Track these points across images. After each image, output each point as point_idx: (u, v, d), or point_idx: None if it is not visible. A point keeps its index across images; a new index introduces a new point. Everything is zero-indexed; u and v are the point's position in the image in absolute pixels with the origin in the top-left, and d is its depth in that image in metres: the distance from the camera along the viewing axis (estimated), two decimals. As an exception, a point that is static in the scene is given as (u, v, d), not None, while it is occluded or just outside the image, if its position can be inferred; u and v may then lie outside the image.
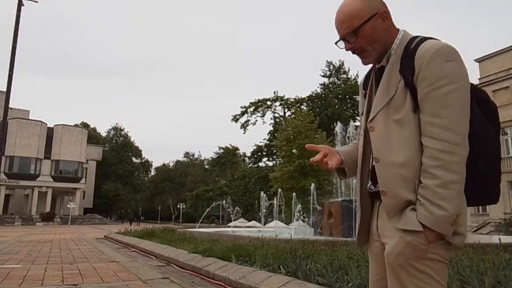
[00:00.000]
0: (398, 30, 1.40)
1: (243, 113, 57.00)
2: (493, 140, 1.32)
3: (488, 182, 1.31)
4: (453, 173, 1.21)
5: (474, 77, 28.88)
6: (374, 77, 1.44)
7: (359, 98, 1.63)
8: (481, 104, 1.34)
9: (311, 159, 1.50)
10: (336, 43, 1.43)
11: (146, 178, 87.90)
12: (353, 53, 1.41)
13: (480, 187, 1.30)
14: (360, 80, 1.62)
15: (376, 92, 1.40)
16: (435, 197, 1.21)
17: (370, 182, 1.43)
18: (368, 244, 1.48)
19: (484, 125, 1.31)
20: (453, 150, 1.21)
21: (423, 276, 1.24)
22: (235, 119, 57.53)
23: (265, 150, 57.80)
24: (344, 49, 1.43)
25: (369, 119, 1.38)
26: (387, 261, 1.30)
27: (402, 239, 1.26)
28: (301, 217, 15.04)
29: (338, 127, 17.47)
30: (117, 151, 77.14)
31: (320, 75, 55.96)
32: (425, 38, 1.32)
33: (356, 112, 50.94)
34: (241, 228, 19.01)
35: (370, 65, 1.51)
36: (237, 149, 72.71)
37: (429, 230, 1.22)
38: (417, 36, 1.36)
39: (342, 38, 1.38)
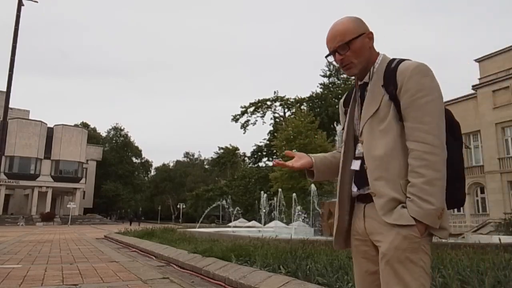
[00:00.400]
0: (378, 53, 1.62)
1: (243, 113, 57.02)
2: (456, 151, 1.51)
3: (452, 187, 1.47)
4: (436, 171, 1.39)
5: (474, 77, 28.95)
6: (359, 92, 1.63)
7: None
8: (446, 122, 1.51)
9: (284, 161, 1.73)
10: (326, 56, 1.64)
11: (146, 178, 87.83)
12: (342, 64, 1.60)
13: (447, 192, 1.45)
14: (341, 99, 1.83)
15: (362, 105, 1.59)
16: (423, 193, 1.38)
17: (354, 186, 1.60)
18: (352, 245, 1.63)
19: (449, 139, 1.48)
20: (435, 151, 1.40)
21: (418, 269, 1.39)
22: (235, 119, 57.54)
23: (265, 150, 57.79)
24: (333, 62, 1.64)
25: (359, 133, 1.58)
26: (385, 257, 1.41)
27: (399, 233, 1.39)
28: (302, 216, 15.04)
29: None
30: (117, 151, 77.10)
31: (320, 75, 56.05)
32: (403, 59, 1.55)
33: (356, 112, 50.87)
34: (241, 228, 19.00)
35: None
36: (237, 149, 72.71)
37: (420, 224, 1.38)
38: (395, 58, 1.59)
39: (334, 50, 1.58)
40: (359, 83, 1.64)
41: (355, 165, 1.59)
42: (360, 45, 1.56)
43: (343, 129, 1.71)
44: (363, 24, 1.60)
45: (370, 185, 1.49)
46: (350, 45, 1.55)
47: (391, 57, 1.61)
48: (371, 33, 1.60)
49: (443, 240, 7.60)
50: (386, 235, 1.43)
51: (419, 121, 1.42)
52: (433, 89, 1.46)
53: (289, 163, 1.73)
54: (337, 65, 1.67)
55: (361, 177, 1.55)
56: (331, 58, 1.63)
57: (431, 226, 1.39)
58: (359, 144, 1.59)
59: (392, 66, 1.53)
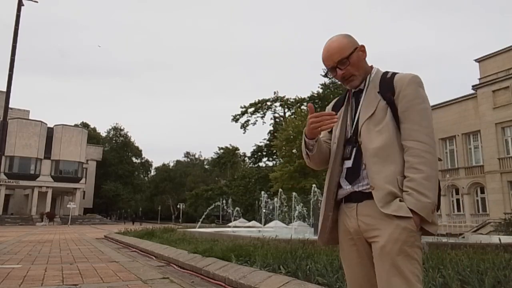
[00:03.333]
0: (371, 65, 1.78)
1: (243, 113, 57.04)
2: None
3: None
4: (433, 169, 1.55)
5: (474, 77, 28.94)
6: (354, 98, 1.76)
7: None
8: None
9: (315, 113, 1.65)
10: (326, 74, 1.79)
11: (146, 178, 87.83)
12: (343, 78, 1.72)
13: None
14: (329, 106, 1.94)
15: (356, 110, 1.72)
16: (421, 187, 1.50)
17: (346, 183, 1.67)
18: (343, 245, 1.69)
19: None
20: (432, 151, 1.56)
21: (414, 262, 1.48)
22: (235, 119, 57.56)
23: (265, 150, 57.79)
24: (334, 78, 1.77)
25: (358, 132, 1.67)
26: (384, 249, 1.48)
27: (398, 225, 1.49)
28: (302, 215, 15.04)
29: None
30: (117, 151, 77.11)
31: (320, 74, 56.00)
32: (397, 72, 1.72)
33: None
34: (241, 228, 19.01)
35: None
36: (237, 149, 72.71)
37: (416, 216, 1.49)
38: (388, 71, 1.75)
39: (335, 67, 1.70)
40: (353, 90, 1.77)
41: (348, 163, 1.67)
42: (357, 58, 1.70)
43: (330, 132, 1.83)
44: (354, 39, 1.74)
45: (369, 179, 1.58)
46: (350, 59, 1.68)
47: (383, 70, 1.77)
48: (363, 46, 1.74)
49: (443, 240, 7.61)
50: (384, 228, 1.51)
51: (418, 124, 1.58)
52: (426, 98, 1.65)
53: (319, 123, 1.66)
54: (337, 81, 1.78)
55: (353, 174, 1.64)
56: (331, 74, 1.75)
57: (425, 219, 1.50)
58: (349, 146, 1.69)
59: (388, 76, 1.70)
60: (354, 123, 1.70)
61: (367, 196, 1.59)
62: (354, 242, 1.64)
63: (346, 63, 1.68)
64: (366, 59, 1.77)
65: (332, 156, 1.76)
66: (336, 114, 1.73)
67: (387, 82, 1.67)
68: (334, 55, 1.69)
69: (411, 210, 1.49)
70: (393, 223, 1.49)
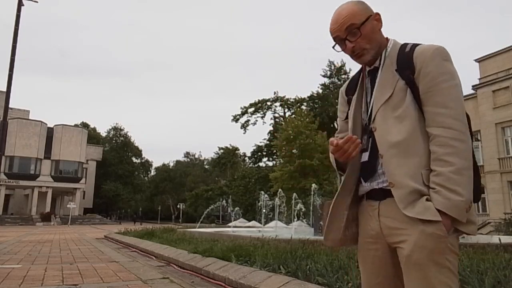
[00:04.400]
0: (387, 38, 1.52)
1: (243, 113, 57.06)
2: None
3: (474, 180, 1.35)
4: (465, 159, 1.29)
5: (474, 77, 28.96)
6: (369, 78, 1.51)
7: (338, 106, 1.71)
8: None
9: (339, 142, 1.38)
10: (333, 46, 1.51)
11: (146, 178, 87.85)
12: (353, 52, 1.47)
13: None
14: (342, 88, 1.69)
15: (372, 92, 1.48)
16: (451, 183, 1.26)
17: (361, 180, 1.47)
18: (362, 248, 1.48)
19: None
20: (463, 138, 1.30)
21: (445, 271, 1.26)
22: (235, 119, 57.59)
23: (265, 150, 57.80)
24: (341, 52, 1.51)
25: (372, 119, 1.44)
26: (409, 259, 1.28)
27: (424, 232, 1.26)
28: (302, 217, 15.05)
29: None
30: (117, 151, 77.12)
31: (320, 75, 56.01)
32: (418, 44, 1.44)
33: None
34: (241, 228, 19.00)
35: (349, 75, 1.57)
36: (237, 149, 72.71)
37: (446, 218, 1.26)
38: (408, 42, 1.48)
39: (344, 38, 1.45)
40: (368, 68, 1.53)
41: (364, 157, 1.45)
42: (370, 29, 1.45)
43: (345, 119, 1.60)
44: (368, 6, 1.49)
45: (387, 175, 1.36)
46: (361, 30, 1.43)
47: (402, 42, 1.50)
48: (378, 14, 1.49)
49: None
50: (408, 234, 1.29)
51: (444, 106, 1.32)
52: (454, 73, 1.37)
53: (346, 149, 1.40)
54: (346, 54, 1.53)
55: (369, 169, 1.43)
56: (339, 47, 1.50)
57: (457, 220, 1.27)
58: (365, 136, 1.46)
59: (407, 50, 1.43)
60: (370, 108, 1.46)
61: (389, 193, 1.35)
62: (374, 246, 1.42)
63: (357, 34, 1.43)
64: (382, 29, 1.50)
65: None
66: (351, 98, 1.55)
67: (406, 58, 1.41)
68: (343, 24, 1.44)
69: (439, 211, 1.25)
70: (418, 228, 1.27)
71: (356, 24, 1.43)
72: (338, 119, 1.68)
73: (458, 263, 1.33)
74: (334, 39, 1.49)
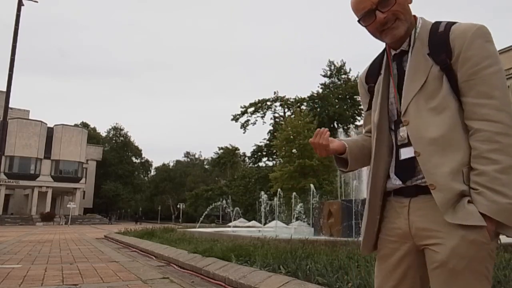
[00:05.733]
0: (415, 16, 1.33)
1: (243, 113, 56.98)
2: None
3: None
4: (511, 156, 1.13)
5: (474, 77, 28.92)
6: (396, 63, 1.34)
7: (359, 96, 1.55)
8: None
9: (310, 140, 1.37)
10: (359, 20, 1.32)
11: (146, 178, 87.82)
12: (385, 24, 1.27)
13: None
14: (361, 75, 1.52)
15: (400, 80, 1.31)
16: (496, 184, 1.11)
17: (396, 179, 1.31)
18: (383, 248, 1.35)
19: None
20: (509, 132, 1.14)
21: (483, 279, 1.15)
22: (235, 119, 57.51)
23: (265, 150, 57.72)
24: (367, 28, 1.32)
25: (402, 113, 1.28)
26: (445, 266, 1.14)
27: (465, 238, 1.12)
28: (302, 216, 15.04)
29: (340, 132, 17.48)
30: (117, 151, 77.09)
31: (320, 74, 55.95)
32: (453, 22, 1.26)
33: (357, 112, 50.93)
34: (241, 228, 19.00)
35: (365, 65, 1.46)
36: (237, 149, 72.63)
37: (491, 223, 1.12)
38: (440, 21, 1.29)
39: (374, 9, 1.26)
40: (394, 52, 1.35)
41: (407, 152, 1.27)
42: None
43: (367, 110, 1.45)
44: None
45: (425, 175, 1.20)
46: None
47: (432, 21, 1.32)
48: None
49: None
50: (446, 238, 1.15)
51: (487, 96, 1.16)
52: (497, 57, 1.20)
53: (322, 143, 1.37)
54: (372, 33, 1.33)
55: (407, 167, 1.27)
56: (367, 20, 1.29)
57: (503, 224, 1.12)
58: (402, 128, 1.28)
59: (441, 30, 1.25)
60: (400, 99, 1.30)
61: (423, 190, 1.22)
62: (399, 246, 1.28)
63: (391, 2, 1.24)
64: (411, 6, 1.31)
65: (374, 145, 1.35)
66: (374, 87, 1.40)
67: (441, 39, 1.23)
68: None
69: (483, 215, 1.11)
70: (458, 233, 1.13)
71: None
72: (364, 111, 1.52)
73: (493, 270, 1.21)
74: (360, 11, 1.29)
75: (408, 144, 1.27)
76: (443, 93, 1.21)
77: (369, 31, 1.32)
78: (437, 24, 1.28)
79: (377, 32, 1.30)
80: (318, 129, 1.37)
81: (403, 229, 1.27)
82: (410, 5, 1.31)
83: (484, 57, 1.18)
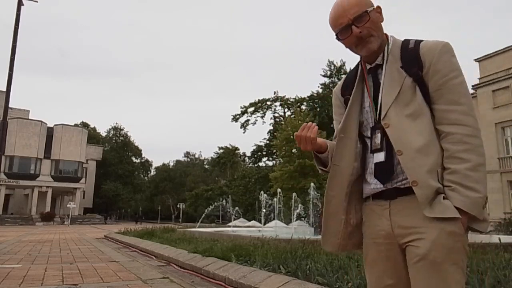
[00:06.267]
0: (387, 34, 1.47)
1: (243, 113, 57.01)
2: None
3: None
4: (480, 155, 1.28)
5: (474, 77, 28.96)
6: (371, 76, 1.46)
7: (333, 108, 1.64)
8: None
9: (296, 133, 1.44)
10: (337, 34, 1.44)
11: (146, 178, 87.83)
12: (360, 39, 1.40)
13: None
14: (335, 88, 1.62)
15: (376, 90, 1.42)
16: (468, 180, 1.24)
17: (377, 182, 1.40)
18: (370, 249, 1.42)
19: None
20: (477, 134, 1.30)
21: (460, 270, 1.25)
22: (235, 118, 57.54)
23: (265, 150, 57.76)
24: (344, 41, 1.44)
25: (382, 116, 1.38)
26: (426, 258, 1.24)
27: (443, 230, 1.24)
28: (302, 216, 15.05)
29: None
30: (117, 151, 77.11)
31: (320, 74, 56.09)
32: (421, 40, 1.42)
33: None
34: (241, 228, 19.00)
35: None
36: (237, 149, 72.66)
37: (464, 216, 1.24)
38: (408, 39, 1.45)
39: (350, 24, 1.38)
40: (369, 66, 1.47)
41: (379, 157, 1.38)
42: (375, 17, 1.41)
43: (342, 120, 1.52)
44: None
45: (408, 174, 1.30)
46: (370, 14, 1.38)
47: (401, 39, 1.46)
48: (379, 7, 1.45)
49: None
50: (426, 232, 1.26)
51: (455, 103, 1.31)
52: (461, 70, 1.36)
53: (308, 136, 1.43)
54: (349, 47, 1.46)
55: (386, 170, 1.36)
56: (344, 34, 1.41)
57: (474, 217, 1.25)
58: (377, 135, 1.39)
59: (411, 47, 1.40)
60: (379, 106, 1.39)
61: (402, 192, 1.33)
62: (386, 247, 1.37)
63: (365, 19, 1.37)
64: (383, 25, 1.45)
65: (337, 151, 1.44)
66: (349, 98, 1.48)
67: (412, 55, 1.37)
68: (350, 9, 1.38)
69: (458, 209, 1.24)
70: (437, 226, 1.24)
71: (364, 8, 1.39)
72: (334, 122, 1.60)
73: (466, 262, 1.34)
74: (338, 27, 1.42)
75: (380, 149, 1.39)
76: (417, 101, 1.34)
77: (345, 45, 1.45)
78: (407, 41, 1.44)
79: (353, 45, 1.43)
80: (304, 124, 1.44)
81: (386, 230, 1.36)
82: (382, 24, 1.45)
83: (451, 70, 1.33)
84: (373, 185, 1.41)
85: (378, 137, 1.40)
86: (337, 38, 1.45)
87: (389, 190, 1.36)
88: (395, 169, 1.35)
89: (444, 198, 1.26)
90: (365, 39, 1.40)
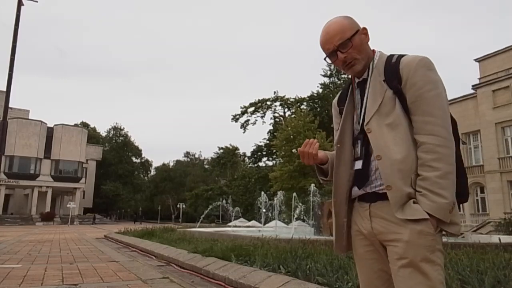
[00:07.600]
0: (374, 50, 1.61)
1: (243, 113, 57.00)
2: (457, 149, 1.49)
3: (458, 182, 1.44)
4: (449, 164, 1.39)
5: (474, 77, 28.95)
6: (359, 89, 1.60)
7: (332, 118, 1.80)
8: None
9: (299, 149, 1.58)
10: (325, 58, 1.60)
11: (146, 178, 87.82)
12: (345, 63, 1.56)
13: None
14: (334, 100, 1.79)
15: (362, 103, 1.57)
16: (436, 187, 1.36)
17: (355, 187, 1.55)
18: (356, 247, 1.57)
19: None
20: (448, 144, 1.40)
21: (437, 267, 1.35)
22: (235, 118, 57.53)
23: (265, 150, 57.76)
24: (333, 64, 1.62)
25: (365, 123, 1.51)
26: (403, 257, 1.36)
27: (414, 229, 1.36)
28: (302, 216, 15.05)
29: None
30: (117, 151, 77.12)
31: (320, 74, 56.02)
32: (403, 54, 1.55)
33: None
34: (241, 228, 19.01)
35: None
36: (237, 149, 72.66)
37: (433, 219, 1.36)
38: (393, 54, 1.58)
39: (335, 50, 1.54)
40: (357, 80, 1.61)
41: (358, 165, 1.54)
42: (359, 41, 1.55)
43: (337, 129, 1.66)
44: (355, 21, 1.59)
45: (384, 178, 1.43)
46: (352, 41, 1.52)
47: (388, 54, 1.60)
48: (365, 28, 1.59)
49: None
50: (400, 233, 1.38)
51: (429, 114, 1.41)
52: (438, 82, 1.46)
53: (311, 152, 1.58)
54: (337, 67, 1.64)
55: (362, 176, 1.51)
56: (331, 59, 1.59)
57: (442, 220, 1.36)
58: (358, 145, 1.55)
59: (393, 61, 1.52)
60: (361, 117, 1.54)
61: (381, 196, 1.45)
62: (369, 243, 1.52)
63: (348, 45, 1.52)
64: (369, 43, 1.60)
65: (337, 158, 1.58)
66: (342, 109, 1.63)
67: (393, 69, 1.50)
68: (334, 37, 1.52)
69: (426, 213, 1.36)
70: (408, 227, 1.36)
71: (347, 36, 1.52)
72: (334, 131, 1.72)
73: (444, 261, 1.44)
74: (325, 51, 1.58)
75: (359, 158, 1.53)
76: (397, 112, 1.46)
77: (335, 65, 1.63)
78: (391, 56, 1.56)
79: (340, 67, 1.60)
80: (307, 140, 1.59)
81: (368, 229, 1.50)
82: (368, 43, 1.59)
83: (426, 82, 1.44)
84: (356, 188, 1.55)
85: (358, 146, 1.55)
86: (326, 60, 1.61)
87: (369, 194, 1.49)
88: (370, 176, 1.49)
89: (414, 202, 1.38)
90: (350, 63, 1.55)
